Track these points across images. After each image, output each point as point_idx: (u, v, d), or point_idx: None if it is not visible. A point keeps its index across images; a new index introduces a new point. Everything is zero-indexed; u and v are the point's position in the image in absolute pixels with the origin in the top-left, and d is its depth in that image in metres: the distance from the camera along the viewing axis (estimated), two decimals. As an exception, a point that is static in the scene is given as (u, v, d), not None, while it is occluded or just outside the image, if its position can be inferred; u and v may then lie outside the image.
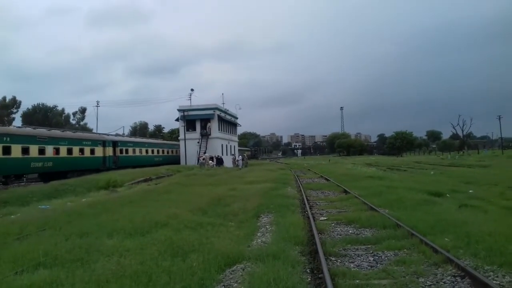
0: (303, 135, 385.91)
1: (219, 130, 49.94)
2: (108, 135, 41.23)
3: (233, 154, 48.11)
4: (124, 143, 41.11)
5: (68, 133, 30.57)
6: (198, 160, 44.22)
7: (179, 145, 48.67)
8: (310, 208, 11.63)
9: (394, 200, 12.04)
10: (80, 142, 30.51)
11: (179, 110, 48.61)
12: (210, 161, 40.04)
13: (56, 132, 28.87)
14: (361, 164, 46.76)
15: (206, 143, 46.79)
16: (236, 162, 44.90)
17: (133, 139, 49.13)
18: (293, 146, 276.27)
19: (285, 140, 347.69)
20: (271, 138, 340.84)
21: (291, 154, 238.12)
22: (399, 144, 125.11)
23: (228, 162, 46.56)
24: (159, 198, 13.45)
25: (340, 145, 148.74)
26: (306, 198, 13.89)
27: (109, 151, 35.88)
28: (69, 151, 28.43)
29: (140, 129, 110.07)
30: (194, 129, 49.04)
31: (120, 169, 32.27)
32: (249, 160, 63.10)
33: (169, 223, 8.96)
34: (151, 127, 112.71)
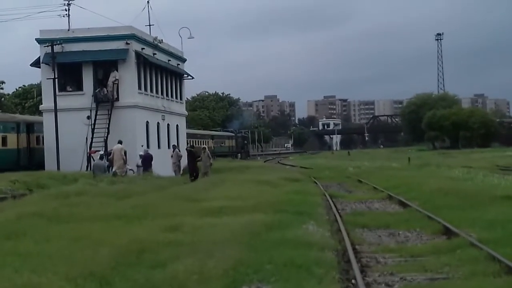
0: (344, 101, 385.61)
1: (140, 88, 50.35)
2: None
3: (174, 147, 48.16)
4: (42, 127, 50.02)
5: None
6: (89, 160, 44.02)
7: (21, 123, 50.60)
8: (361, 271, 11.80)
9: None
10: None
11: (40, 42, 48.80)
12: (120, 162, 39.82)
13: None
14: (485, 168, 47.05)
15: (109, 119, 47.00)
16: (174, 165, 44.87)
17: None
18: (319, 126, 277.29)
19: (301, 111, 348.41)
20: (268, 107, 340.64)
21: (316, 144, 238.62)
22: None
23: (163, 163, 46.59)
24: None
25: (434, 124, 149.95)
26: (353, 248, 14.05)
27: (24, 140, 49.23)
28: None
29: None
30: (78, 85, 49.44)
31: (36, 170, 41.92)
32: (231, 159, 62.28)
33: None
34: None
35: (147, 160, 42.94)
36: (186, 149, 46.46)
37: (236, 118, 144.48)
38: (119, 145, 40.83)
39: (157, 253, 13.03)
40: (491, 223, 16.53)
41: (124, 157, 39.99)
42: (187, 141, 66.41)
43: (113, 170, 39.03)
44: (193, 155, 41.51)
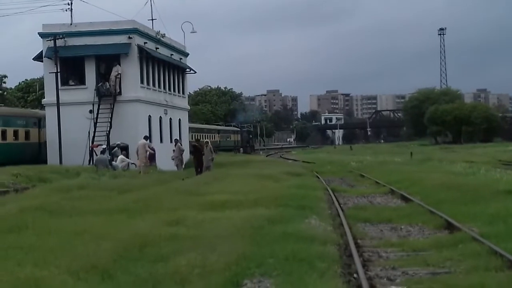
0: (347, 96, 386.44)
1: (142, 82, 50.36)
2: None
3: (176, 141, 48.07)
4: None
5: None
6: (91, 154, 43.98)
7: (42, 118, 51.25)
8: (363, 266, 11.78)
9: None
10: (14, 120, 49.97)
11: (43, 36, 48.79)
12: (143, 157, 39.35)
13: None
14: (487, 163, 47.01)
15: (111, 113, 47.09)
16: (177, 159, 44.62)
17: None
18: (322, 121, 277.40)
19: (304, 106, 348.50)
20: (270, 102, 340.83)
21: (318, 139, 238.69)
22: None
23: (166, 157, 46.54)
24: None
25: (436, 119, 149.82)
26: (355, 242, 14.06)
27: (44, 134, 52.86)
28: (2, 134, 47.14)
29: None
30: (80, 79, 49.51)
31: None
32: (235, 153, 62.29)
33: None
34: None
35: (151, 155, 42.74)
36: (191, 143, 46.32)
37: (238, 112, 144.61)
38: (144, 140, 40.50)
39: (159, 247, 13.01)
40: (493, 217, 16.47)
41: (148, 152, 39.46)
42: (194, 135, 66.55)
43: (137, 165, 39.05)
44: (198, 149, 41.22)
